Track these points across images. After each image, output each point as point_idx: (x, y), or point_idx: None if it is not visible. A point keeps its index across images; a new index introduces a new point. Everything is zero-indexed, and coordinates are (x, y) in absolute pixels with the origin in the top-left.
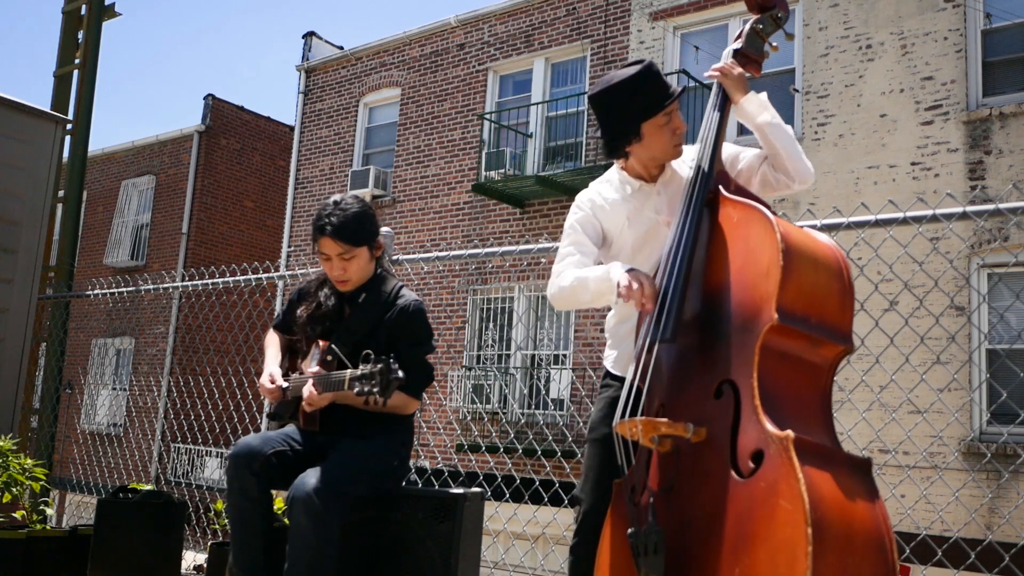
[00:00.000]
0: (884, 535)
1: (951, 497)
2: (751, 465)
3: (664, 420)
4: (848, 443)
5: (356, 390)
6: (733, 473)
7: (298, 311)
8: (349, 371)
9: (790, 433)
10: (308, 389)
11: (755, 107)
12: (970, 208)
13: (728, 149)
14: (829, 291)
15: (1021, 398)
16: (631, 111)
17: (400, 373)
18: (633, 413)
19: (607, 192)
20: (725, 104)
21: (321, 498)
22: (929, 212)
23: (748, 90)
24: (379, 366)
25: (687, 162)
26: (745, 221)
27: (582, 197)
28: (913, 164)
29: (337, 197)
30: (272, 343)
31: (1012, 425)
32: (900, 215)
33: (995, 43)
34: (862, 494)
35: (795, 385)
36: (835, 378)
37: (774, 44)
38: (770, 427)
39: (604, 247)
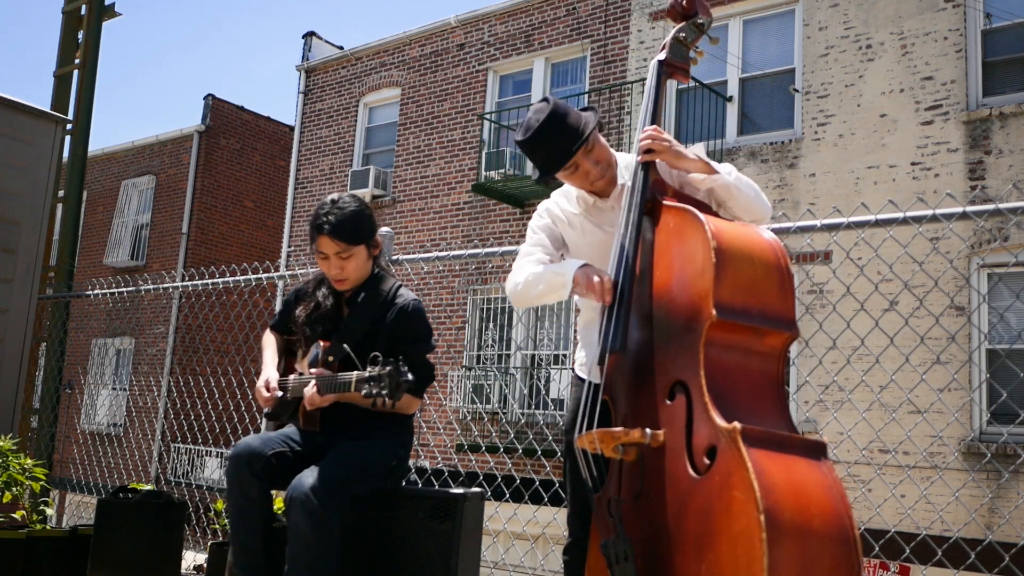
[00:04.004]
0: (843, 516)
1: (951, 497)
2: (706, 461)
3: (620, 429)
4: (848, 443)
5: (364, 391)
6: (691, 472)
7: (296, 311)
8: (356, 373)
9: (736, 424)
10: (310, 390)
11: (700, 174)
12: (970, 208)
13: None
14: (767, 282)
15: (1021, 398)
16: (536, 164)
17: (410, 376)
18: (591, 425)
19: (565, 204)
20: (655, 117)
21: (319, 498)
22: (929, 212)
23: (686, 156)
24: (388, 368)
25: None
26: (680, 225)
27: (542, 206)
28: (913, 164)
29: (335, 196)
30: (269, 344)
31: (1012, 425)
32: (900, 215)
33: (995, 43)
34: (817, 478)
35: (744, 377)
36: (835, 378)
37: (699, 50)
38: (719, 421)
39: (565, 253)
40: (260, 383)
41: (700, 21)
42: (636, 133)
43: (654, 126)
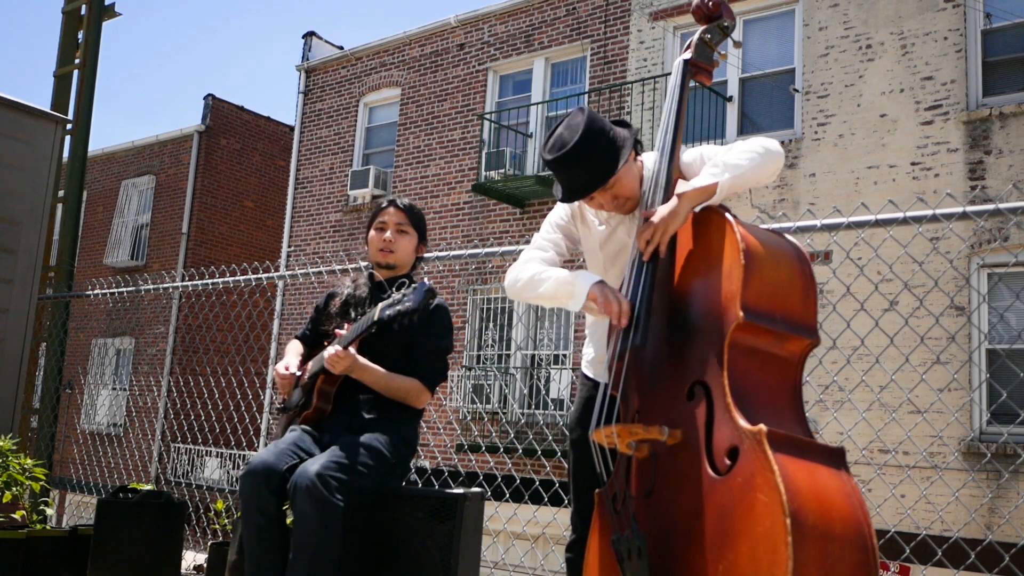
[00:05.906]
0: (862, 521)
1: (951, 497)
2: (727, 462)
3: (639, 425)
4: (848, 443)
5: (388, 314)
6: (710, 471)
7: (331, 304)
8: (381, 303)
9: (762, 427)
10: (334, 347)
11: (712, 196)
12: (970, 208)
13: (691, 155)
14: (792, 287)
15: (1021, 398)
16: (558, 182)
17: (435, 292)
18: (608, 420)
19: (586, 208)
20: (679, 116)
21: (324, 483)
22: (929, 212)
23: (693, 200)
24: (413, 285)
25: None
26: (705, 225)
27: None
28: (913, 164)
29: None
30: (293, 349)
31: (1012, 425)
32: (900, 215)
33: (995, 43)
34: (838, 482)
35: (765, 381)
36: (835, 378)
37: (723, 52)
38: (743, 423)
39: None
40: (279, 365)
41: (725, 24)
42: (660, 130)
43: (634, 236)
